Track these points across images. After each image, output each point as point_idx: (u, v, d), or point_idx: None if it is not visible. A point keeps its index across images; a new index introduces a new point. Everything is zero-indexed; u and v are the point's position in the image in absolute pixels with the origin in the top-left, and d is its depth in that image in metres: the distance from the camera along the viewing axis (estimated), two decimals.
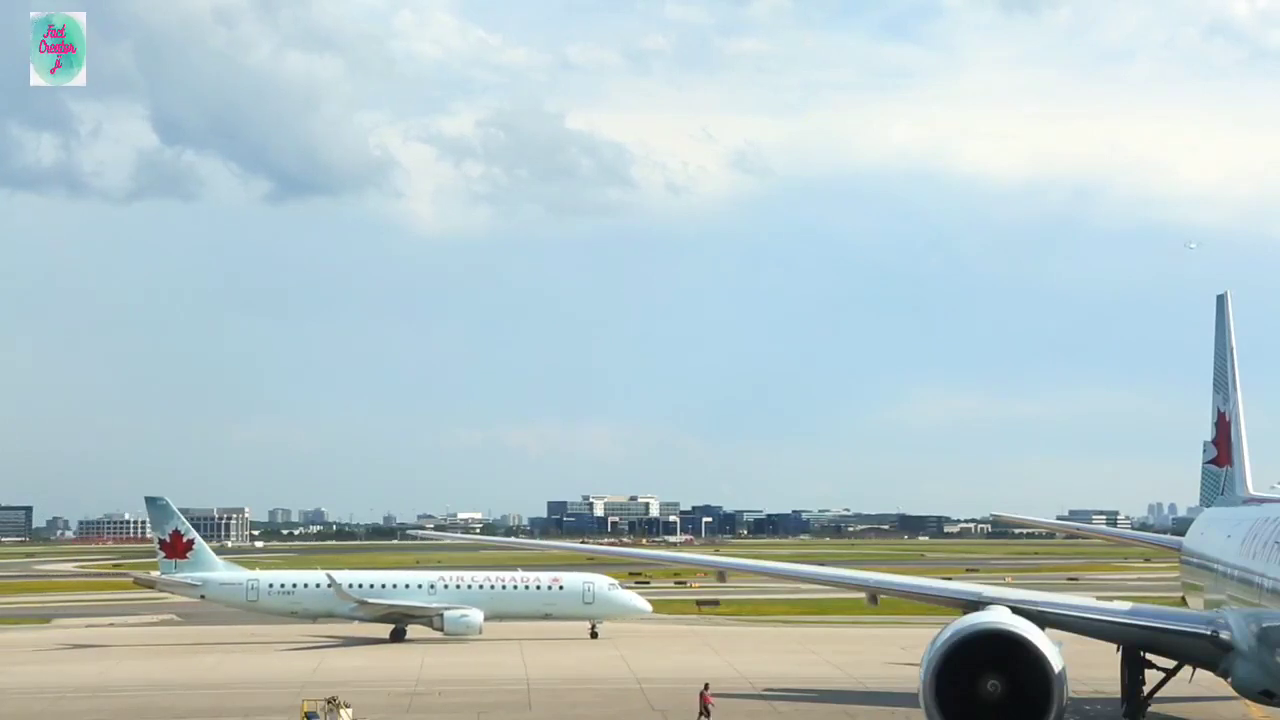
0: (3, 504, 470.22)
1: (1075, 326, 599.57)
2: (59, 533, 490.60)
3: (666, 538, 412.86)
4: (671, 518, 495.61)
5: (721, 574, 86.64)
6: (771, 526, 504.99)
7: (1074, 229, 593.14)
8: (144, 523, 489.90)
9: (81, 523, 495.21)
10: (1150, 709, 48.79)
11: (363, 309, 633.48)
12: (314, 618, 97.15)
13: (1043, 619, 42.35)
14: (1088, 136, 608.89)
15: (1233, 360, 54.35)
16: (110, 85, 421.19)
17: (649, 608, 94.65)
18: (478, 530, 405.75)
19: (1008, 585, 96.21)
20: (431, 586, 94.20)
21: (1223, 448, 54.84)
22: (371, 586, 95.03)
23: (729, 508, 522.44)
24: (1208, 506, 55.84)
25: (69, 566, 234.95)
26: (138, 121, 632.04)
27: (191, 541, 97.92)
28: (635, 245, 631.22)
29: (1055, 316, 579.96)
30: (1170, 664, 47.06)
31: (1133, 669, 48.05)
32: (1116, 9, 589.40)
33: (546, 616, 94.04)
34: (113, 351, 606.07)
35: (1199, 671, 46.66)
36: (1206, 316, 56.51)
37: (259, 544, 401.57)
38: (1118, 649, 47.94)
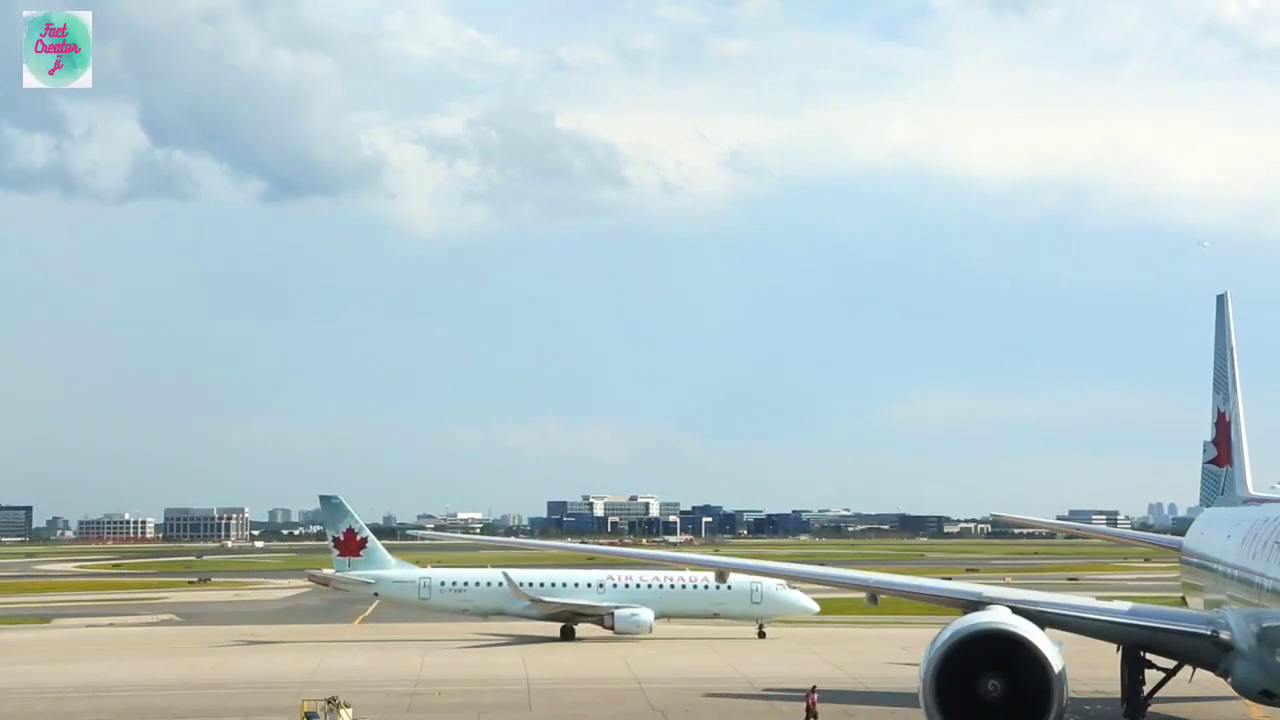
0: (3, 504, 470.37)
1: (1075, 326, 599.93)
2: (59, 533, 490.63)
3: (666, 538, 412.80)
4: (671, 518, 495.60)
5: (721, 574, 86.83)
6: (771, 526, 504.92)
7: (1071, 229, 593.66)
8: (143, 523, 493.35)
9: (81, 523, 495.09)
10: (1150, 709, 48.77)
11: (362, 309, 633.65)
12: (484, 615, 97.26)
13: (1043, 619, 42.35)
14: (1083, 136, 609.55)
15: (1233, 360, 54.33)
16: (105, 86, 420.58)
17: (816, 607, 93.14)
18: (478, 530, 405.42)
19: (1008, 585, 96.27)
20: (601, 585, 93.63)
21: (1223, 448, 54.82)
22: (542, 585, 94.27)
23: (729, 508, 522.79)
24: (1208, 506, 55.81)
25: (69, 566, 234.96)
26: (130, 123, 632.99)
27: (365, 540, 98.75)
28: (632, 245, 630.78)
29: (1055, 316, 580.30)
30: (1170, 664, 47.04)
31: (1133, 669, 48.02)
32: (1107, 10, 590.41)
33: (714, 616, 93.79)
34: (113, 351, 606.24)
35: (1199, 671, 46.65)
36: (1206, 316, 56.56)
37: (259, 544, 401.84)
38: (1118, 649, 47.94)
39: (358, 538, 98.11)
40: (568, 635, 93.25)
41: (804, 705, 56.39)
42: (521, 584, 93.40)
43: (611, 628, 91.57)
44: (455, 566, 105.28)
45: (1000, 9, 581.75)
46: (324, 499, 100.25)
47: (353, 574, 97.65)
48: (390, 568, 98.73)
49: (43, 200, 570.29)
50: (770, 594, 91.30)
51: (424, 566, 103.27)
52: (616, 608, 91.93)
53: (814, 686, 57.44)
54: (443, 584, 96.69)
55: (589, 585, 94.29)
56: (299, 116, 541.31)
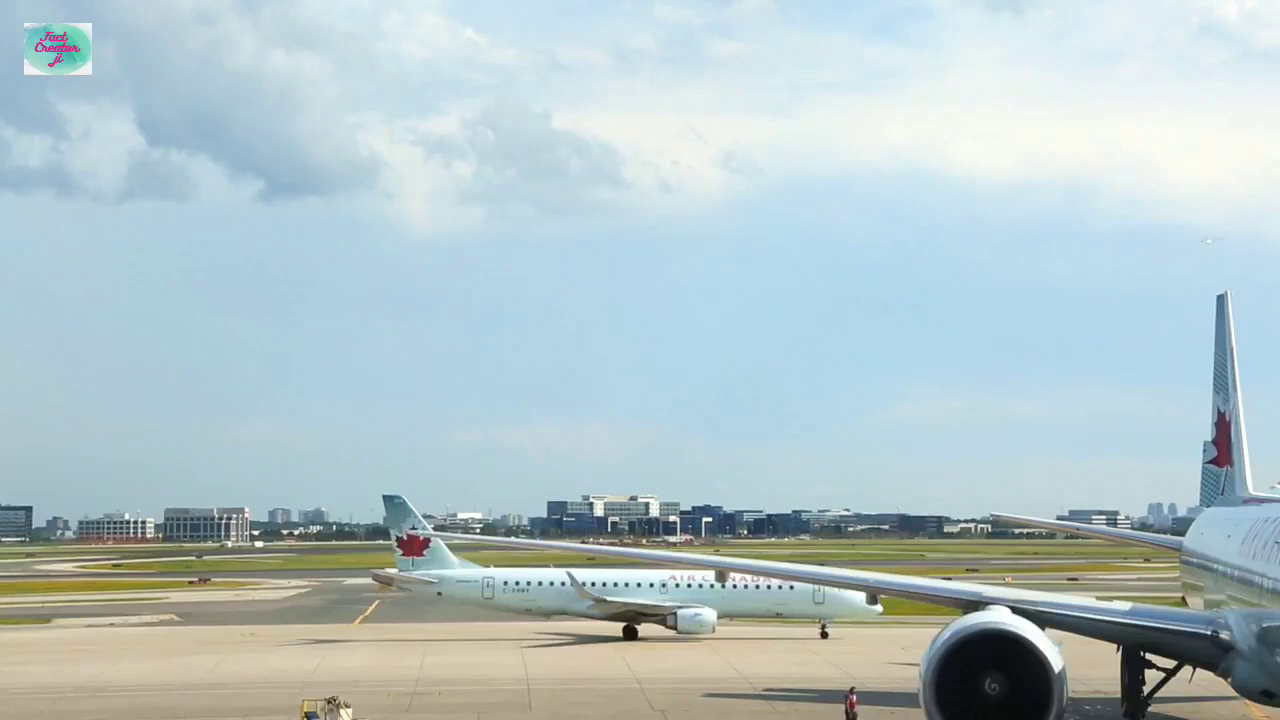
0: (3, 504, 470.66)
1: (1074, 326, 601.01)
2: (59, 533, 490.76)
3: (666, 538, 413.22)
4: (671, 518, 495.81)
5: (721, 574, 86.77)
6: (771, 526, 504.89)
7: (1068, 228, 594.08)
8: (143, 523, 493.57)
9: (81, 523, 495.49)
10: (1150, 709, 48.79)
11: (362, 309, 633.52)
12: (547, 615, 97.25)
13: (1043, 619, 42.35)
14: (1080, 136, 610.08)
15: (1233, 360, 54.33)
16: (103, 86, 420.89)
17: (880, 608, 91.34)
18: (478, 530, 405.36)
19: (1008, 585, 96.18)
20: (664, 585, 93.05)
21: (1223, 448, 54.82)
22: (604, 585, 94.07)
23: (729, 508, 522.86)
24: (1208, 506, 55.82)
25: (69, 566, 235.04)
26: (126, 123, 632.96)
27: (428, 540, 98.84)
28: (630, 245, 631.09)
29: (1054, 316, 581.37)
30: (1170, 664, 47.05)
31: (1133, 669, 48.05)
32: (1101, 10, 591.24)
33: (777, 616, 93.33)
34: (113, 352, 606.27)
35: (1199, 671, 46.63)
36: (1206, 316, 56.57)
37: (259, 544, 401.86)
38: (1118, 649, 47.94)
39: (421, 537, 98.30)
40: (630, 635, 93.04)
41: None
42: (585, 584, 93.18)
43: (674, 627, 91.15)
44: (519, 566, 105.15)
45: (996, 9, 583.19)
46: (387, 499, 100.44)
47: (416, 573, 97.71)
48: (453, 567, 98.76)
49: (40, 200, 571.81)
50: (833, 594, 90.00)
51: (486, 567, 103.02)
52: (679, 607, 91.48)
53: (852, 689, 56.83)
54: (506, 584, 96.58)
55: (651, 585, 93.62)
56: (296, 117, 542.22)
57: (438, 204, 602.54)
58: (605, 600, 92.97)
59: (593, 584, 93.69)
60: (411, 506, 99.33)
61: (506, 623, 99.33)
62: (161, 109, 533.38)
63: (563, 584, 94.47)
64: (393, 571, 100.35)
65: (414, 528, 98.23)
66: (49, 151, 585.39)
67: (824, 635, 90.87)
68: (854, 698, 55.44)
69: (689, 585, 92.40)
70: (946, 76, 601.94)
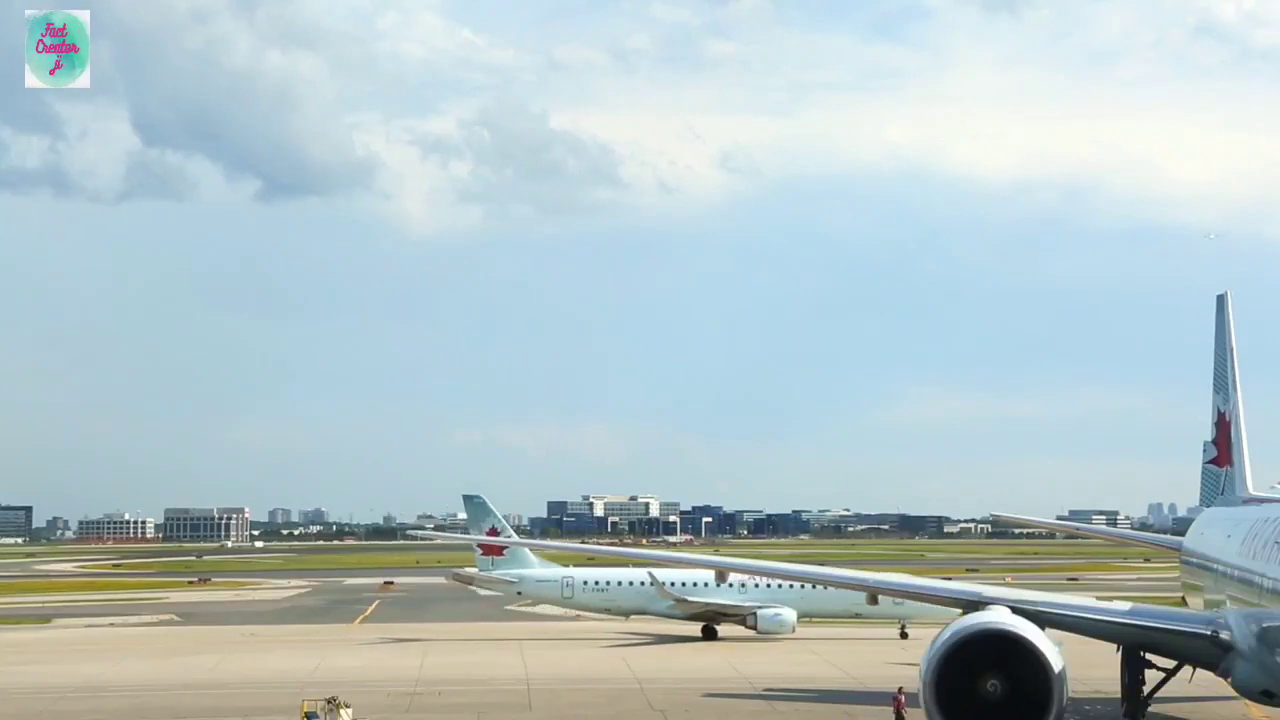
0: (3, 504, 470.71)
1: (1074, 326, 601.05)
2: (59, 533, 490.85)
3: (666, 538, 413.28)
4: (671, 518, 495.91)
5: (721, 574, 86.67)
6: (771, 526, 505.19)
7: (1068, 228, 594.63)
8: (143, 523, 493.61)
9: (81, 523, 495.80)
10: (1150, 709, 48.78)
11: (362, 309, 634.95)
12: (626, 614, 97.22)
13: (1043, 619, 42.36)
14: (1079, 136, 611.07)
15: (1233, 360, 54.31)
16: (101, 86, 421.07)
17: (959, 610, 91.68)
18: None
19: (1008, 585, 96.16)
20: (743, 585, 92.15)
21: (1223, 448, 54.80)
22: (685, 585, 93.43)
23: (729, 508, 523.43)
24: (1208, 506, 55.80)
25: (69, 566, 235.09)
26: (124, 124, 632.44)
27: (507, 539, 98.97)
28: (630, 245, 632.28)
29: (1054, 316, 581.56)
30: (1170, 664, 47.04)
31: (1133, 669, 48.03)
32: (1100, 10, 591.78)
33: (856, 616, 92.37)
34: (113, 352, 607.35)
35: (1199, 671, 46.63)
36: (1206, 316, 56.55)
37: (259, 544, 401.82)
38: (1118, 649, 47.94)
39: (501, 536, 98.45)
40: (709, 635, 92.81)
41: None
42: (666, 584, 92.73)
43: (754, 628, 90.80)
44: (598, 566, 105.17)
45: (993, 9, 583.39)
46: (467, 498, 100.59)
47: (496, 573, 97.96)
48: (533, 567, 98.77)
49: (38, 201, 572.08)
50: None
51: (566, 566, 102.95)
52: (759, 607, 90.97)
53: (900, 689, 56.06)
54: (585, 583, 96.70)
55: (730, 585, 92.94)
56: (294, 117, 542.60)
57: (436, 204, 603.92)
58: (685, 600, 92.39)
59: (673, 584, 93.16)
60: (492, 506, 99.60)
61: (506, 623, 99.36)
62: (159, 109, 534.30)
63: (643, 584, 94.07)
64: (472, 571, 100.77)
65: (494, 527, 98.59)
66: (46, 152, 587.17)
67: (904, 635, 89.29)
68: (902, 698, 53.53)
69: (769, 585, 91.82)
70: (946, 76, 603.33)
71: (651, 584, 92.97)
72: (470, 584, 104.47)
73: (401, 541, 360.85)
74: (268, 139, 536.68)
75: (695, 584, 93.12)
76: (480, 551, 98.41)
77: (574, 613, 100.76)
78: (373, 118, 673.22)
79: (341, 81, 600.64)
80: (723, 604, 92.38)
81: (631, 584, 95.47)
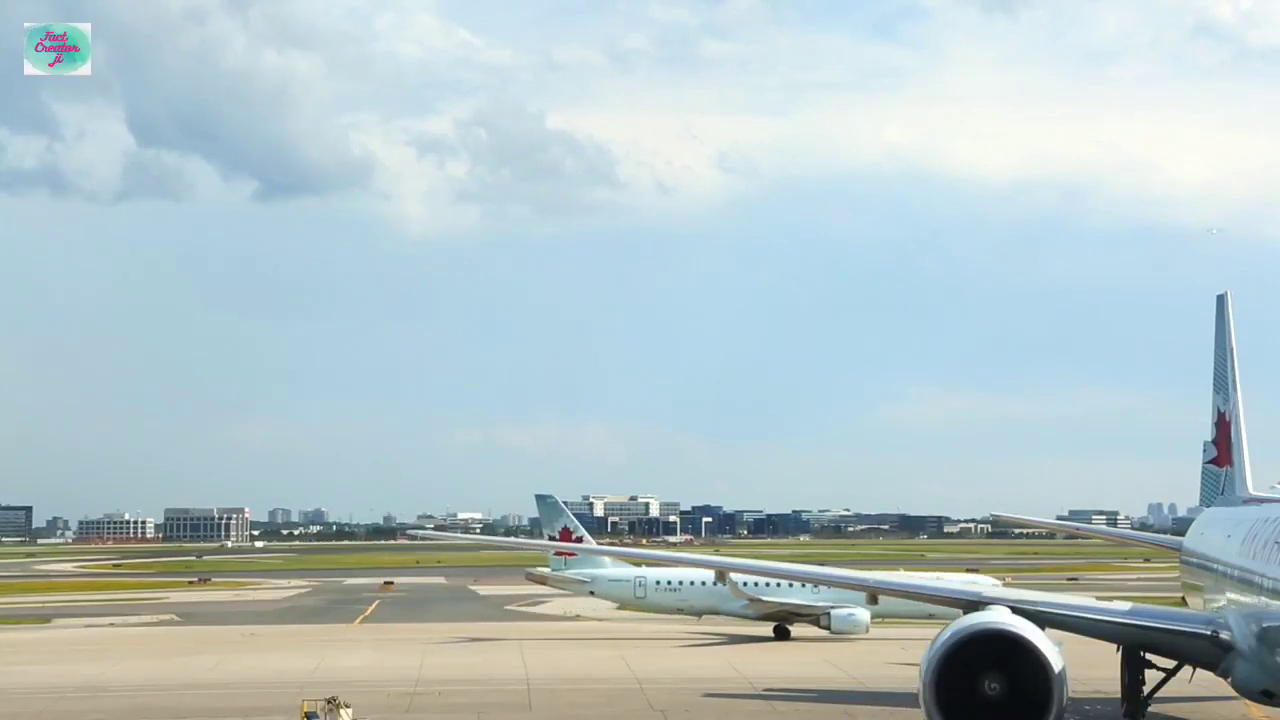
0: (3, 504, 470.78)
1: (1074, 326, 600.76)
2: (59, 533, 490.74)
3: (666, 538, 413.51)
4: (671, 518, 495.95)
5: (721, 574, 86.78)
6: (771, 526, 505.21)
7: (1067, 228, 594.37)
8: (143, 523, 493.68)
9: (81, 523, 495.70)
10: (1150, 709, 48.76)
11: (361, 309, 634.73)
12: (699, 614, 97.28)
13: (1043, 619, 42.32)
14: (1078, 136, 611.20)
15: (1233, 360, 54.31)
16: (99, 86, 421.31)
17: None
18: (478, 530, 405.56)
19: (1008, 585, 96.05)
20: (816, 585, 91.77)
21: (1223, 448, 54.80)
22: (758, 584, 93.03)
23: (729, 508, 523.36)
24: (1208, 506, 55.80)
25: (69, 566, 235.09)
26: (121, 124, 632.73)
27: (580, 539, 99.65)
28: (629, 245, 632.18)
29: (1053, 316, 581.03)
30: (1170, 664, 47.03)
31: (1133, 669, 48.01)
32: (1097, 10, 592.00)
33: (930, 616, 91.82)
34: (113, 352, 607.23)
35: (1199, 671, 46.62)
36: (1206, 316, 56.55)
37: (259, 544, 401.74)
38: (1118, 649, 47.92)
39: (573, 537, 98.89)
40: (782, 635, 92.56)
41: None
42: (739, 584, 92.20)
43: (827, 627, 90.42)
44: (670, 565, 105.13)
45: (989, 9, 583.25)
46: (539, 498, 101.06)
47: (569, 573, 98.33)
48: (606, 566, 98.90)
49: (35, 201, 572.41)
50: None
51: (639, 566, 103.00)
52: (832, 607, 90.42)
53: None
54: (658, 583, 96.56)
55: (804, 585, 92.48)
56: (291, 117, 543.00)
57: (434, 204, 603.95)
58: (759, 600, 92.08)
59: (745, 584, 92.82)
60: (564, 506, 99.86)
61: (506, 623, 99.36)
62: (156, 109, 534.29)
63: (716, 584, 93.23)
64: (546, 571, 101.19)
65: (566, 527, 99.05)
66: (43, 152, 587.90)
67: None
68: None
69: None
70: (944, 76, 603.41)
71: (725, 584, 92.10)
72: (544, 583, 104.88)
73: (401, 541, 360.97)
74: (265, 139, 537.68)
75: (769, 584, 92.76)
76: (553, 551, 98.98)
77: (605, 613, 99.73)
78: (370, 118, 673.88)
79: (338, 82, 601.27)
80: (797, 604, 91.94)
81: (705, 584, 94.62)
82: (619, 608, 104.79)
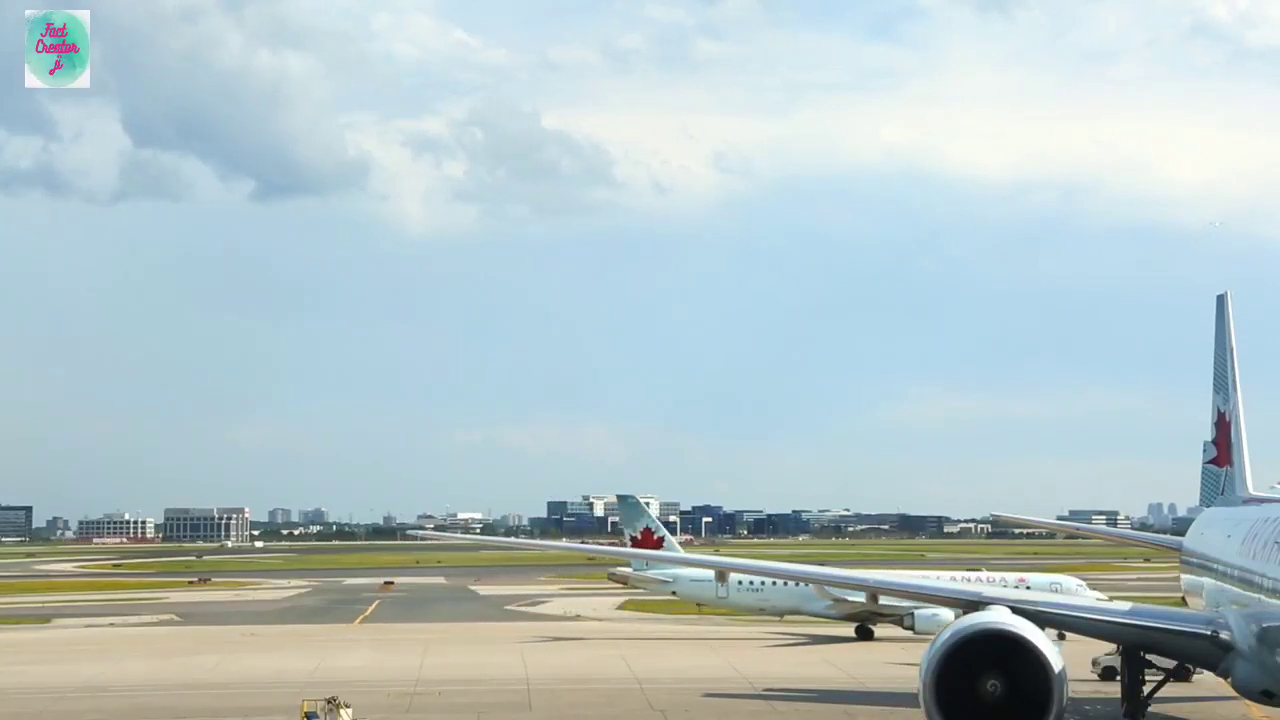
0: (3, 504, 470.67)
1: (1074, 326, 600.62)
2: (59, 533, 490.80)
3: None
4: (671, 518, 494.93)
5: (721, 574, 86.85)
6: (771, 526, 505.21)
7: (1066, 228, 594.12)
8: (144, 522, 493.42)
9: (81, 523, 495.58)
10: (1150, 709, 48.79)
11: (361, 309, 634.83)
12: (781, 615, 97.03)
13: (1042, 619, 42.40)
14: (1076, 136, 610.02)
15: (1233, 360, 54.34)
16: (97, 87, 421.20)
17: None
18: (478, 530, 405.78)
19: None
20: None
21: (1223, 448, 54.83)
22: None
23: (729, 508, 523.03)
24: (1208, 506, 55.82)
25: (69, 566, 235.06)
26: (119, 124, 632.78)
27: (661, 539, 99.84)
28: (627, 245, 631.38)
29: (1054, 316, 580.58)
30: (1170, 664, 47.05)
31: (1133, 669, 48.06)
32: (1095, 10, 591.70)
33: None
34: (113, 352, 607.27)
35: (1198, 672, 46.63)
36: (1206, 316, 56.56)
37: (259, 544, 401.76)
38: (1118, 649, 47.91)
39: (655, 536, 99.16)
40: (865, 635, 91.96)
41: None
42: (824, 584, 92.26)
43: (911, 628, 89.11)
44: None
45: (984, 9, 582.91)
46: (621, 498, 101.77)
47: (651, 573, 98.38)
48: (688, 566, 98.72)
49: (33, 202, 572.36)
50: (1069, 590, 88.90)
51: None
52: (916, 608, 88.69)
53: None
54: (740, 583, 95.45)
55: None
56: (288, 117, 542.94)
57: (431, 204, 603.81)
58: (843, 600, 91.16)
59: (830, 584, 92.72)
60: (644, 507, 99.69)
61: (506, 623, 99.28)
62: (153, 110, 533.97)
63: (798, 584, 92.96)
64: (628, 571, 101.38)
65: (648, 527, 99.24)
66: (40, 153, 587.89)
67: (1061, 638, 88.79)
68: None
69: None
70: (942, 77, 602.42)
71: (808, 583, 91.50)
72: (625, 583, 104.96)
73: (401, 541, 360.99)
74: (262, 139, 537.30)
75: None
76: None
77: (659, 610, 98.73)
78: (367, 118, 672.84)
79: (335, 82, 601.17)
80: (880, 605, 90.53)
81: (787, 584, 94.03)
82: (700, 607, 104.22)
